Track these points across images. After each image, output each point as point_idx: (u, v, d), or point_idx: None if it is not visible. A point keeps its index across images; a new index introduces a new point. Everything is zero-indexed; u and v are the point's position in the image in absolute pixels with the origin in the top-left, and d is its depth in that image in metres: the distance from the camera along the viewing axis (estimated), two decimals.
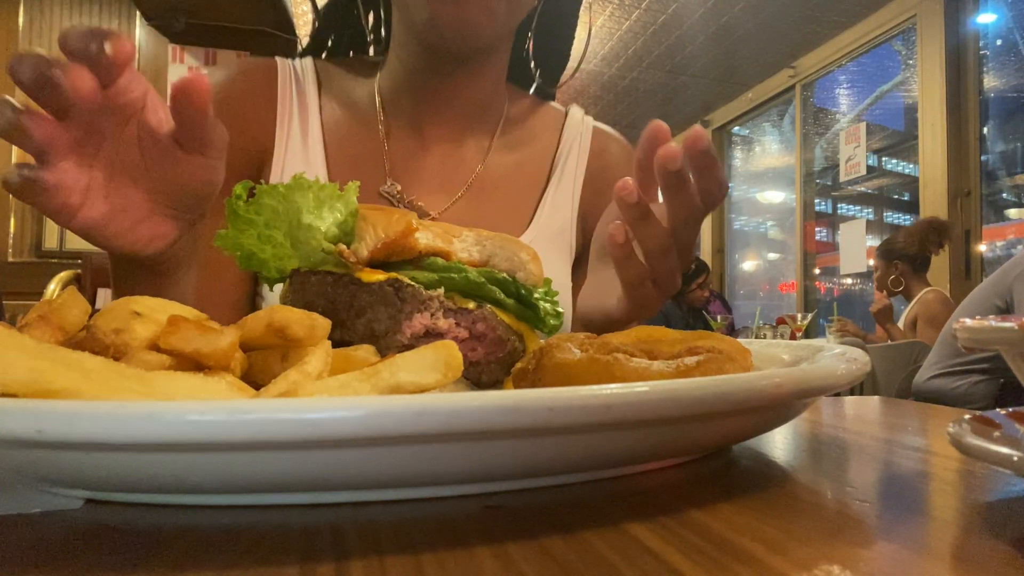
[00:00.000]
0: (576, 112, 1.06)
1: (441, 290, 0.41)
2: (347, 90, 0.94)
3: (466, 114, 0.93)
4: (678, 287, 0.58)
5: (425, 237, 0.42)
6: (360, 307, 0.39)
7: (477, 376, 0.41)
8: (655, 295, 0.57)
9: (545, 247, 0.81)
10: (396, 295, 0.40)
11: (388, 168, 0.89)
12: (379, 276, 0.41)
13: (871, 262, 4.23)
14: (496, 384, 0.42)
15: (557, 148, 1.01)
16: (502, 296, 0.43)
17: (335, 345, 0.38)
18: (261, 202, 0.42)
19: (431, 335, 0.40)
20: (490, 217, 0.88)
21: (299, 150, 0.88)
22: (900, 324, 3.58)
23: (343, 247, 0.41)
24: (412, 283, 0.40)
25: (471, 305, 0.42)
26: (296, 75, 0.93)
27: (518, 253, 0.44)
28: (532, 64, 1.02)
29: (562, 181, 0.97)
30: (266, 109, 0.91)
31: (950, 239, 3.67)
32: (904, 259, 3.59)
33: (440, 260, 0.42)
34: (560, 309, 0.46)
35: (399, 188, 0.87)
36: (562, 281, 0.91)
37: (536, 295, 0.43)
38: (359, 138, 0.90)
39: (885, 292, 3.66)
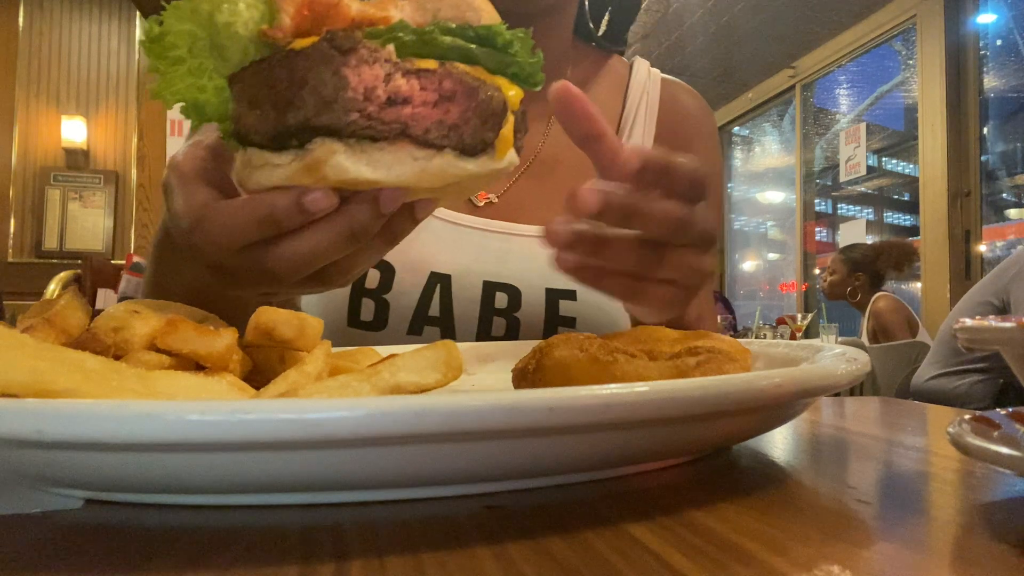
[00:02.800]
0: (641, 66, 0.94)
1: (391, 47, 0.36)
2: None
3: None
4: (707, 277, 0.48)
5: (356, 4, 0.37)
6: (300, 77, 0.34)
7: (460, 140, 0.37)
8: (669, 295, 0.47)
9: None
10: (331, 46, 0.34)
11: None
12: (312, 39, 0.35)
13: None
14: (484, 145, 0.37)
15: (623, 111, 0.90)
16: (462, 43, 0.38)
17: (294, 133, 0.35)
18: (175, 31, 0.36)
19: (395, 102, 0.35)
20: (555, 197, 0.80)
21: None
22: (863, 337, 3.58)
23: (264, 27, 0.36)
24: (349, 34, 0.35)
25: (433, 65, 0.36)
26: None
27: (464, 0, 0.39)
28: (600, 11, 0.91)
29: None
30: None
31: (911, 267, 3.74)
32: (868, 272, 3.62)
33: (381, 28, 0.37)
34: (535, 59, 0.40)
35: None
36: None
37: (503, 37, 0.38)
38: None
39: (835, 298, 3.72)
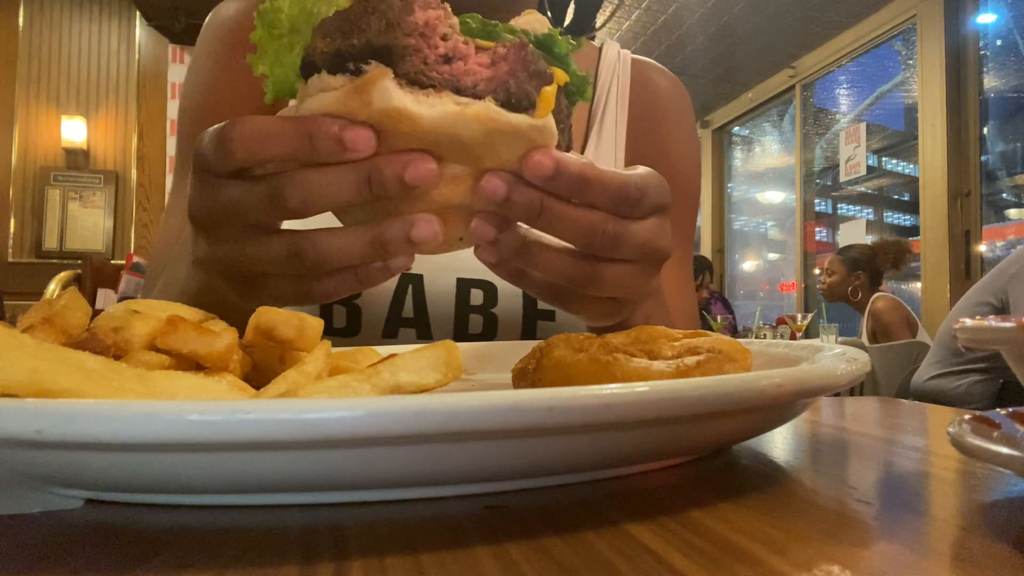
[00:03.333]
0: (611, 48, 0.92)
1: (456, 20, 0.38)
2: None
3: None
4: (650, 295, 0.46)
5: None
6: (372, 6, 0.37)
7: (506, 94, 0.37)
8: (606, 308, 0.46)
9: None
10: None
11: None
12: None
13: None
14: (526, 100, 0.38)
15: (593, 95, 0.88)
16: (522, 40, 0.40)
17: (354, 55, 0.36)
18: (287, 10, 0.39)
19: (450, 60, 0.37)
20: None
21: None
22: (863, 338, 3.58)
23: None
24: None
25: (489, 44, 0.39)
26: None
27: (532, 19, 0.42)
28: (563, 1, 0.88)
29: (603, 133, 0.86)
30: None
31: (908, 264, 3.74)
32: (868, 271, 3.62)
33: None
34: (585, 73, 0.43)
35: None
36: None
37: (561, 47, 0.40)
38: None
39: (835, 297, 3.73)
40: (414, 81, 0.36)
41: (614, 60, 0.90)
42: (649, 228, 0.43)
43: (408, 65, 0.36)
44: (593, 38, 0.97)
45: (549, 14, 0.90)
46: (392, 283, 0.75)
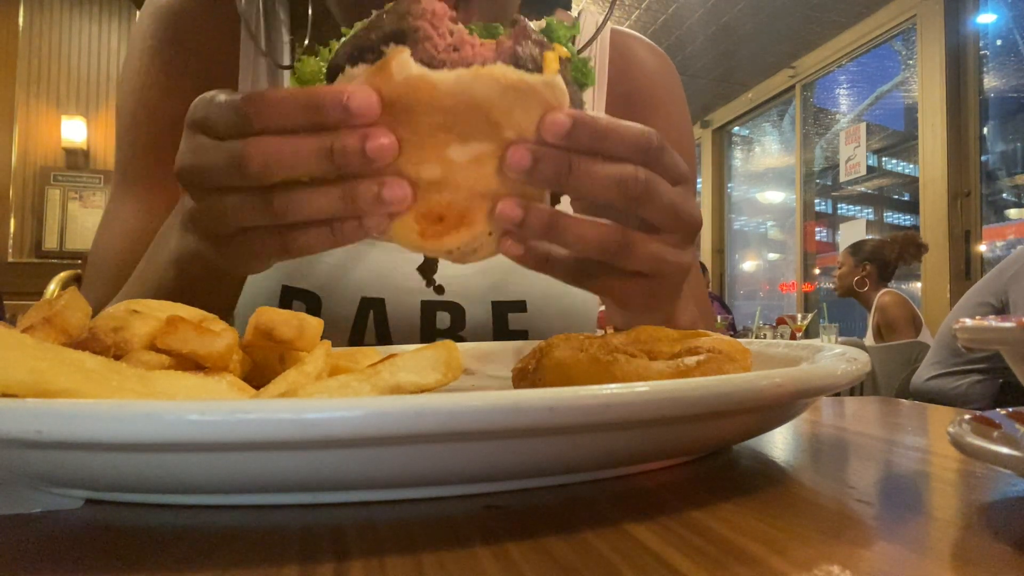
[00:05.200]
0: (588, 19, 0.84)
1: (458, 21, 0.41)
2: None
3: None
4: (685, 272, 0.45)
5: None
6: (384, 8, 0.40)
7: (515, 59, 0.38)
8: (640, 288, 0.45)
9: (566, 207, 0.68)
10: None
11: None
12: None
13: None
14: (532, 63, 0.39)
15: None
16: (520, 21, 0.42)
17: (371, 47, 0.38)
18: (305, 71, 0.43)
19: (459, 48, 0.39)
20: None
21: None
22: (868, 337, 3.58)
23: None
24: None
25: (492, 41, 0.41)
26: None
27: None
28: None
29: None
30: (227, 41, 0.76)
31: (919, 259, 3.73)
32: (874, 263, 3.62)
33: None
34: (585, 56, 0.44)
35: None
36: None
37: (560, 33, 0.42)
38: None
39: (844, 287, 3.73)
40: (428, 64, 0.38)
41: (592, 33, 0.83)
42: (679, 192, 0.42)
43: (422, 50, 0.38)
44: (568, 7, 0.90)
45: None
46: (352, 307, 0.72)
